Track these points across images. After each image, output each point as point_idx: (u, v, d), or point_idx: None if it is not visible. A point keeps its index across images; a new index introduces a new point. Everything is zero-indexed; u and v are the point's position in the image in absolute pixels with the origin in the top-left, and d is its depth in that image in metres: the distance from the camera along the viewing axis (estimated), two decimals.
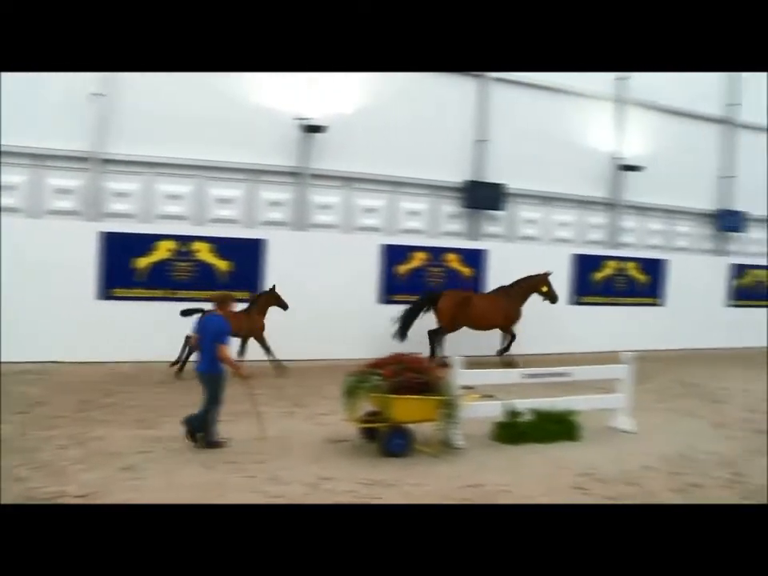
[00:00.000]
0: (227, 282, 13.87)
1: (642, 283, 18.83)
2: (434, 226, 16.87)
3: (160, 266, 13.62)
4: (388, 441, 8.49)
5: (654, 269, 18.99)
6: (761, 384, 14.43)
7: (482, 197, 16.84)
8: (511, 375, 10.32)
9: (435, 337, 14.80)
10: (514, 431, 9.35)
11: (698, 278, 19.40)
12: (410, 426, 8.67)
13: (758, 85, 19.97)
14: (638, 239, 19.82)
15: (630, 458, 8.98)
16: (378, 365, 8.92)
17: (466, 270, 16.31)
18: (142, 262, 13.51)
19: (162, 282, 13.63)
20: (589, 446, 9.38)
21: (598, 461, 8.74)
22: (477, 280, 16.36)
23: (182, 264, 13.78)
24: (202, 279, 13.87)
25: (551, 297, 15.67)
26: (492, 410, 9.45)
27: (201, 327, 8.82)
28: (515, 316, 15.33)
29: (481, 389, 9.70)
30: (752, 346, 19.68)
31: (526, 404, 9.58)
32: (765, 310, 20.88)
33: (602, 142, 18.76)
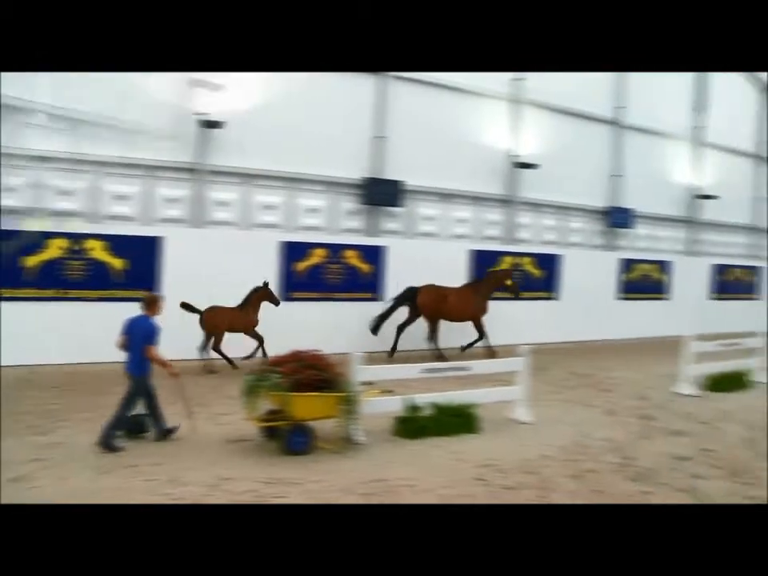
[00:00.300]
0: (122, 280, 13.55)
1: (537, 278, 19.37)
2: (333, 222, 16.86)
3: (51, 265, 13.13)
4: (289, 439, 8.48)
5: (548, 264, 19.56)
6: (647, 373, 15.11)
7: (381, 193, 16.94)
8: (410, 370, 10.46)
9: (433, 334, 15.69)
10: (414, 426, 9.47)
11: (590, 272, 20.13)
12: (311, 423, 8.68)
13: (641, 89, 20.98)
14: (533, 235, 20.34)
15: (529, 447, 9.26)
16: (277, 363, 8.92)
17: (364, 267, 16.39)
18: (32, 261, 12.99)
19: (53, 281, 13.15)
20: (488, 438, 9.62)
21: (498, 452, 8.97)
22: (376, 277, 16.48)
23: (75, 263, 13.33)
24: (96, 278, 13.46)
25: (514, 290, 16.54)
26: (392, 406, 9.56)
27: (128, 329, 8.69)
28: (484, 309, 16.11)
29: (381, 384, 9.80)
30: (640, 337, 20.66)
31: (425, 398, 9.74)
32: (651, 302, 21.91)
33: (498, 140, 19.16)
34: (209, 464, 8.00)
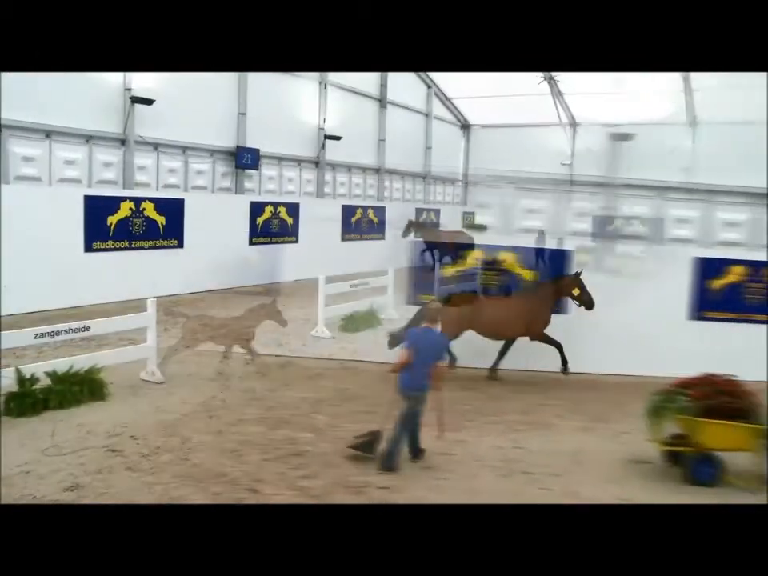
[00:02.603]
0: None
1: (160, 225, 17.56)
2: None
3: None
4: (695, 468, 7.89)
5: (171, 209, 17.75)
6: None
7: None
8: (21, 337, 9.16)
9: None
10: (26, 401, 8.61)
11: (218, 216, 18.81)
12: (720, 453, 7.95)
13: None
14: (154, 178, 19.01)
15: (165, 408, 8.99)
16: (686, 385, 8.30)
17: None
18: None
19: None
20: (118, 404, 9.12)
21: (130, 417, 8.56)
22: None
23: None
24: None
25: (587, 303, 11.96)
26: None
27: (416, 343, 7.94)
28: (541, 321, 12.11)
29: None
30: (273, 282, 19.89)
31: (39, 368, 9.07)
32: (284, 246, 21.42)
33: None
34: (606, 482, 7.79)
